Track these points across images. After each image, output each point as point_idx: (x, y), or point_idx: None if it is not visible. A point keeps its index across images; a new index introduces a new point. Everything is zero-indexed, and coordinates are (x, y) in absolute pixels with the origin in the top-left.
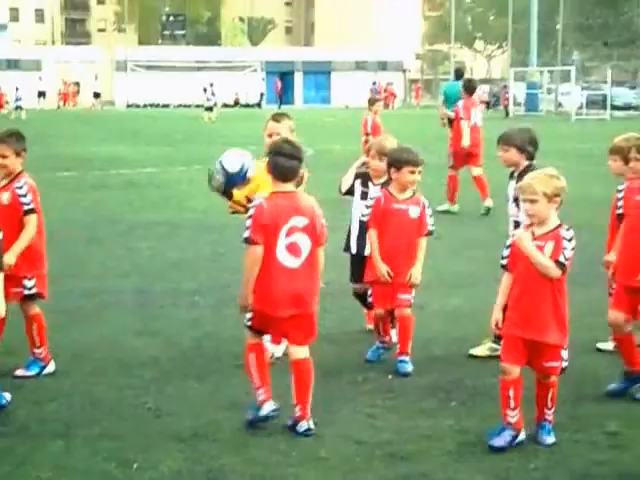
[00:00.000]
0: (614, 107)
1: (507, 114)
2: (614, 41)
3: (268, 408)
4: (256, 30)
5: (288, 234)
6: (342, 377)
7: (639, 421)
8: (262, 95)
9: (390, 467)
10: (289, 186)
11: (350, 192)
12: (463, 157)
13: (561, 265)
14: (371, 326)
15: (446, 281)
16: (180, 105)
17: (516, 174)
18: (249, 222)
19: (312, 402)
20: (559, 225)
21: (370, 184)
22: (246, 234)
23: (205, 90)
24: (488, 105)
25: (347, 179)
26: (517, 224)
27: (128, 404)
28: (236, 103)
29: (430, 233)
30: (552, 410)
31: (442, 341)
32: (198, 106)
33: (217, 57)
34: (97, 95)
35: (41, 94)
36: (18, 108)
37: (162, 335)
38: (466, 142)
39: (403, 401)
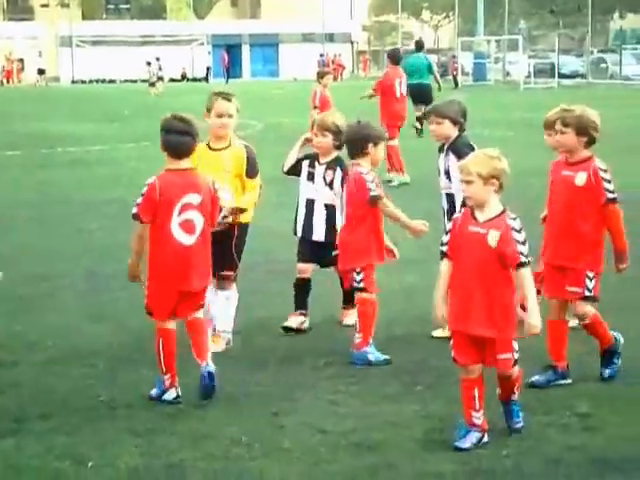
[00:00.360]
0: (561, 75)
1: (456, 84)
2: (560, 9)
3: (170, 396)
4: (201, 3)
5: (181, 211)
6: (302, 363)
7: (610, 400)
8: (209, 69)
9: (356, 457)
10: (184, 163)
11: (293, 172)
12: (395, 128)
13: (524, 265)
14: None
15: (400, 256)
16: (126, 80)
17: (446, 146)
18: (140, 199)
19: (273, 390)
20: (503, 211)
21: (317, 164)
22: (134, 210)
23: (149, 64)
24: None
25: (290, 158)
26: (449, 196)
27: (82, 396)
28: (183, 77)
29: None
30: (518, 392)
31: (403, 321)
32: (144, 81)
33: (163, 31)
34: (42, 72)
35: None
36: None
37: (115, 320)
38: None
39: (366, 386)
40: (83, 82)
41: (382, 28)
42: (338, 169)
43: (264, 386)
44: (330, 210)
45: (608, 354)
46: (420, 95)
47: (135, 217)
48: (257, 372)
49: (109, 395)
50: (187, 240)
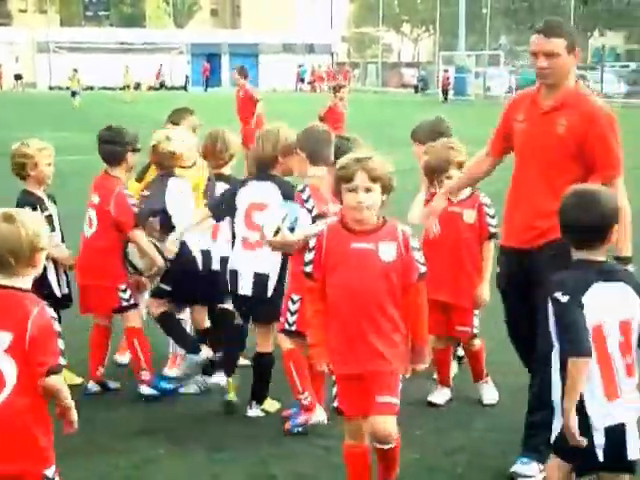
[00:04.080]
0: None
1: (446, 98)
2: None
3: None
4: (181, 12)
5: None
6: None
7: None
8: (187, 78)
9: None
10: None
11: None
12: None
13: None
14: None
15: None
16: (104, 88)
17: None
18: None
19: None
20: None
21: None
22: None
23: (76, 71)
24: (416, 89)
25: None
26: None
27: None
28: (162, 85)
29: None
30: None
31: None
32: (121, 88)
33: (142, 39)
34: (18, 77)
35: None
36: None
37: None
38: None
39: None
40: (60, 88)
41: (362, 40)
42: None
43: None
44: None
45: None
46: None
47: None
48: None
49: None
50: None
